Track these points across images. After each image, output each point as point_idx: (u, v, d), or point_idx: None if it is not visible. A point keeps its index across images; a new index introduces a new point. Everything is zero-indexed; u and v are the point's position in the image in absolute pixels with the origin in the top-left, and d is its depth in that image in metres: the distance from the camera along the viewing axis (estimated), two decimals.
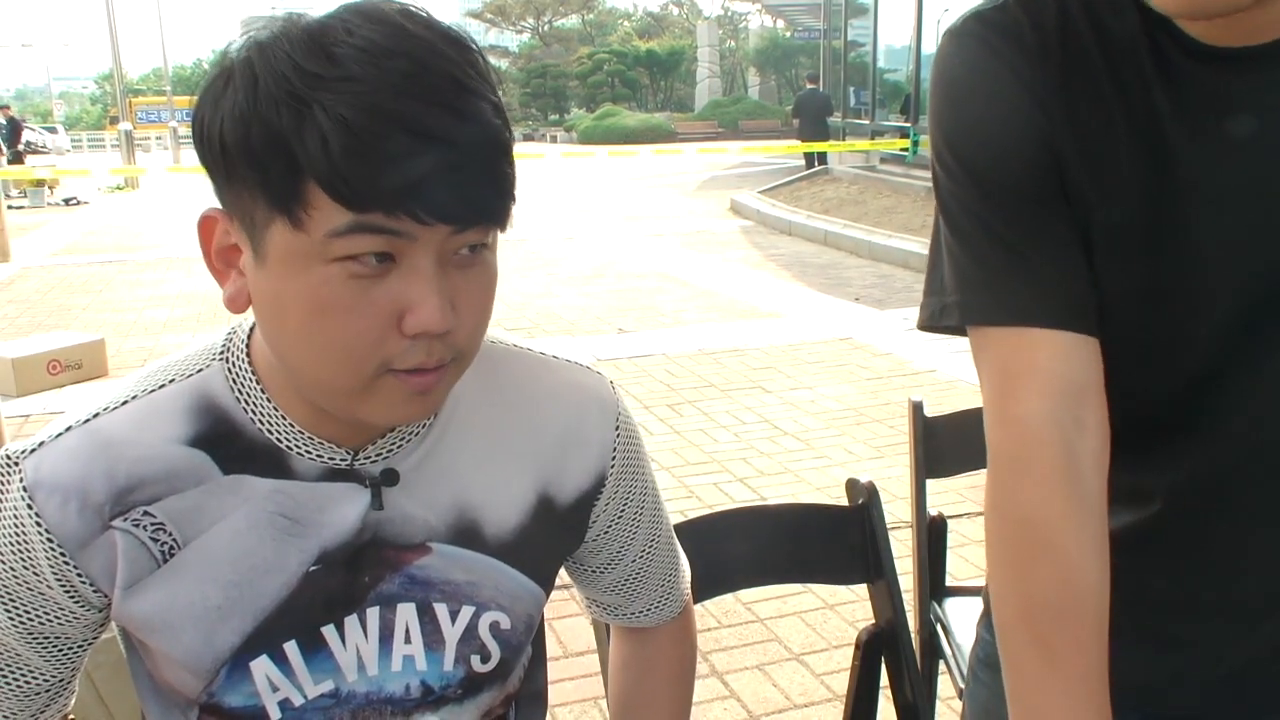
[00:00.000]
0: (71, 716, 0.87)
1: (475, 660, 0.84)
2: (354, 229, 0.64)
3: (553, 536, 0.88)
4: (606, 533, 0.92)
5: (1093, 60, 0.77)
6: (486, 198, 0.67)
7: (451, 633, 0.83)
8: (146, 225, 12.92)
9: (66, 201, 15.89)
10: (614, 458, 0.89)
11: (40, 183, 15.66)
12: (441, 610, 0.82)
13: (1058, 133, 0.78)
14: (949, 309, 0.83)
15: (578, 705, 2.49)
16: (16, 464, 0.75)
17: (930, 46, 13.33)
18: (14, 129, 17.78)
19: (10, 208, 12.52)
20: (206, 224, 0.72)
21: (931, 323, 0.86)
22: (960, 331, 0.85)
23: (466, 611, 0.83)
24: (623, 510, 0.92)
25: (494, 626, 0.84)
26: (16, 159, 17.42)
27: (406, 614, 0.81)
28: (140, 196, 17.27)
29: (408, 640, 0.82)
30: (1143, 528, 0.85)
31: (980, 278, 0.80)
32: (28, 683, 0.81)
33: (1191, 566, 0.85)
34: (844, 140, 15.44)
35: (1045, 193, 0.79)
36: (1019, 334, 0.78)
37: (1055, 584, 0.76)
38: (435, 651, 0.83)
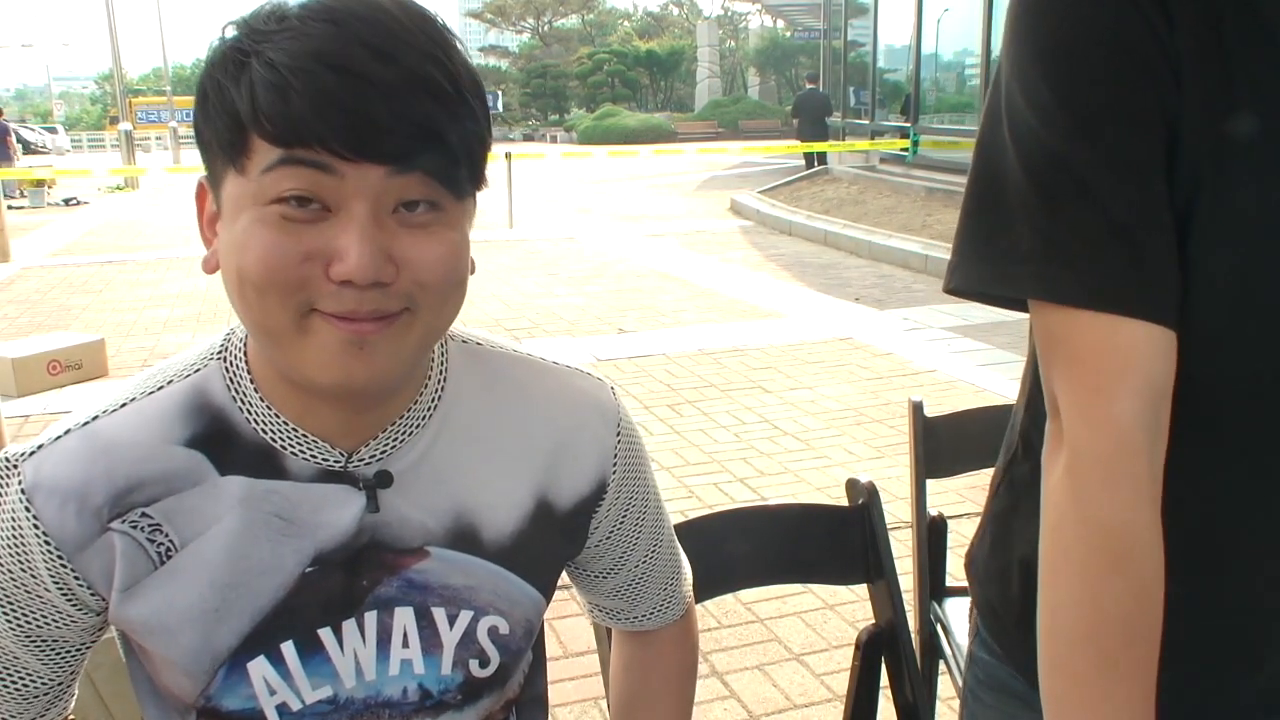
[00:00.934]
0: (71, 717, 0.87)
1: (474, 665, 0.84)
2: (280, 162, 0.66)
3: (552, 542, 0.88)
4: (608, 539, 0.92)
5: (1215, 12, 0.70)
6: (412, 140, 0.67)
7: (449, 637, 0.83)
8: (146, 225, 12.91)
9: (66, 201, 15.89)
10: (615, 464, 0.89)
11: (40, 183, 15.66)
12: (440, 615, 0.82)
13: (1184, 96, 0.71)
14: (1018, 278, 0.74)
15: (578, 705, 2.49)
16: (15, 466, 0.75)
17: (930, 46, 13.35)
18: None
19: (10, 208, 12.52)
20: (200, 192, 0.75)
21: (983, 288, 0.77)
22: (1007, 304, 0.78)
23: (465, 616, 0.83)
24: (624, 516, 0.92)
25: (493, 631, 0.84)
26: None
27: (404, 618, 0.81)
28: (140, 197, 17.27)
29: (405, 645, 0.82)
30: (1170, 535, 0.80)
31: (1080, 253, 0.71)
32: (26, 686, 0.81)
33: (1210, 578, 0.81)
34: (844, 140, 15.45)
35: (1158, 165, 0.71)
36: (1117, 323, 0.71)
37: (1131, 598, 0.72)
38: (433, 655, 0.83)
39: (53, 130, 38.70)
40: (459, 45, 0.71)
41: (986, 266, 0.76)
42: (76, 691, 0.86)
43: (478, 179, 0.73)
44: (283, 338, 0.70)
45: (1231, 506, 0.80)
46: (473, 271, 0.77)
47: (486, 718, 0.87)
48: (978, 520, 1.00)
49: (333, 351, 0.69)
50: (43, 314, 7.37)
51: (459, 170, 0.70)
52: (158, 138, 32.54)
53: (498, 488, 0.84)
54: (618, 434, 0.89)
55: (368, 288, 0.68)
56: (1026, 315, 0.81)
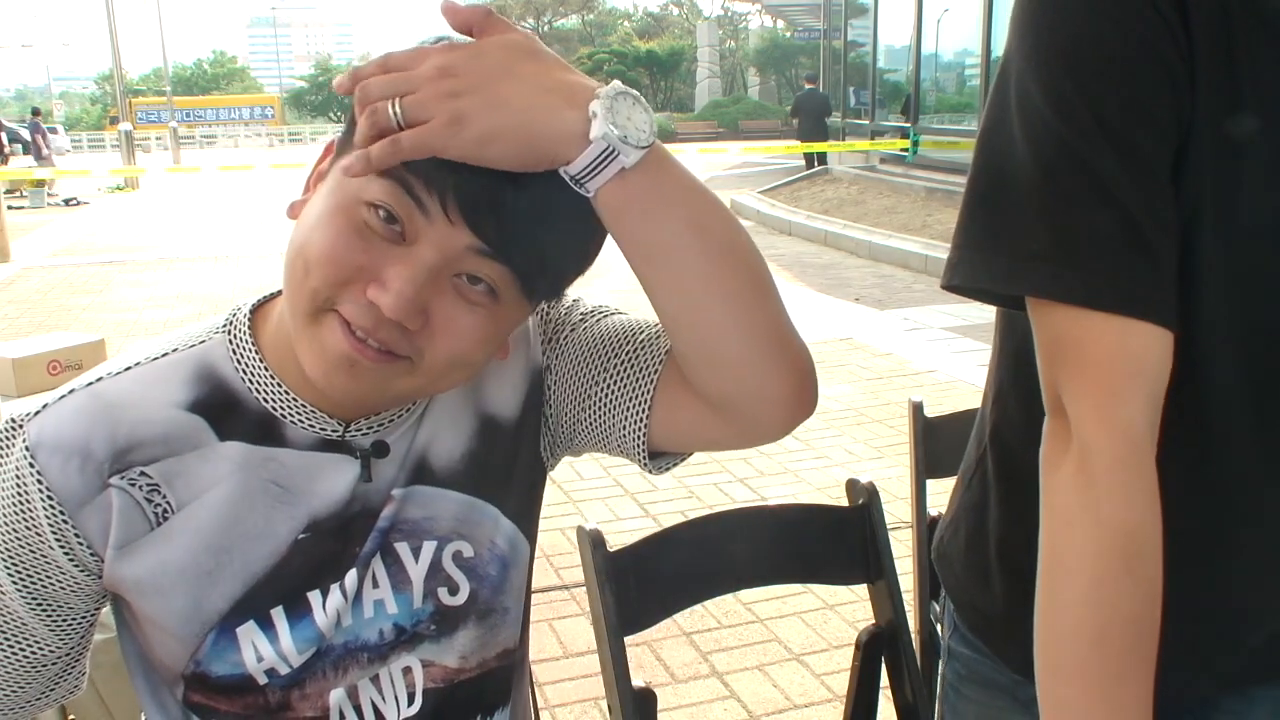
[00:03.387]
0: (72, 717, 0.87)
1: (444, 593, 0.85)
2: (395, 179, 0.68)
3: (508, 454, 0.88)
4: (572, 370, 0.87)
5: (1225, 14, 0.71)
6: (516, 243, 0.69)
7: (416, 571, 0.84)
8: (146, 225, 12.91)
9: (66, 202, 15.90)
10: (543, 342, 0.88)
11: (40, 183, 15.68)
12: (403, 549, 0.84)
13: (1196, 98, 0.71)
14: (1029, 276, 0.73)
15: (578, 705, 2.50)
16: (21, 426, 0.77)
17: (930, 47, 13.34)
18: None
19: (10, 208, 12.53)
20: (327, 149, 0.77)
21: (990, 286, 0.76)
22: (1007, 302, 0.78)
23: (428, 547, 0.84)
24: (585, 361, 0.86)
25: (458, 557, 0.86)
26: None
27: (375, 565, 0.83)
28: (140, 197, 17.27)
29: (375, 585, 0.83)
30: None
31: (1095, 254, 0.71)
32: (34, 653, 0.82)
33: (1202, 572, 0.82)
34: (844, 140, 15.45)
35: (1169, 168, 0.72)
36: (1129, 326, 0.70)
37: (1140, 598, 0.72)
38: (403, 591, 0.84)
39: (53, 130, 38.73)
40: None
41: (993, 263, 0.75)
42: (86, 671, 0.87)
43: (555, 295, 0.76)
44: (298, 317, 0.72)
45: (1224, 505, 0.80)
46: (504, 357, 0.80)
47: (463, 657, 0.87)
48: None
49: (328, 354, 0.72)
50: (43, 314, 7.37)
51: (539, 281, 0.73)
52: (158, 138, 32.55)
53: (447, 420, 0.86)
54: (541, 319, 0.89)
55: (389, 320, 0.69)
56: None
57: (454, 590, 0.85)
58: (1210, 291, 0.74)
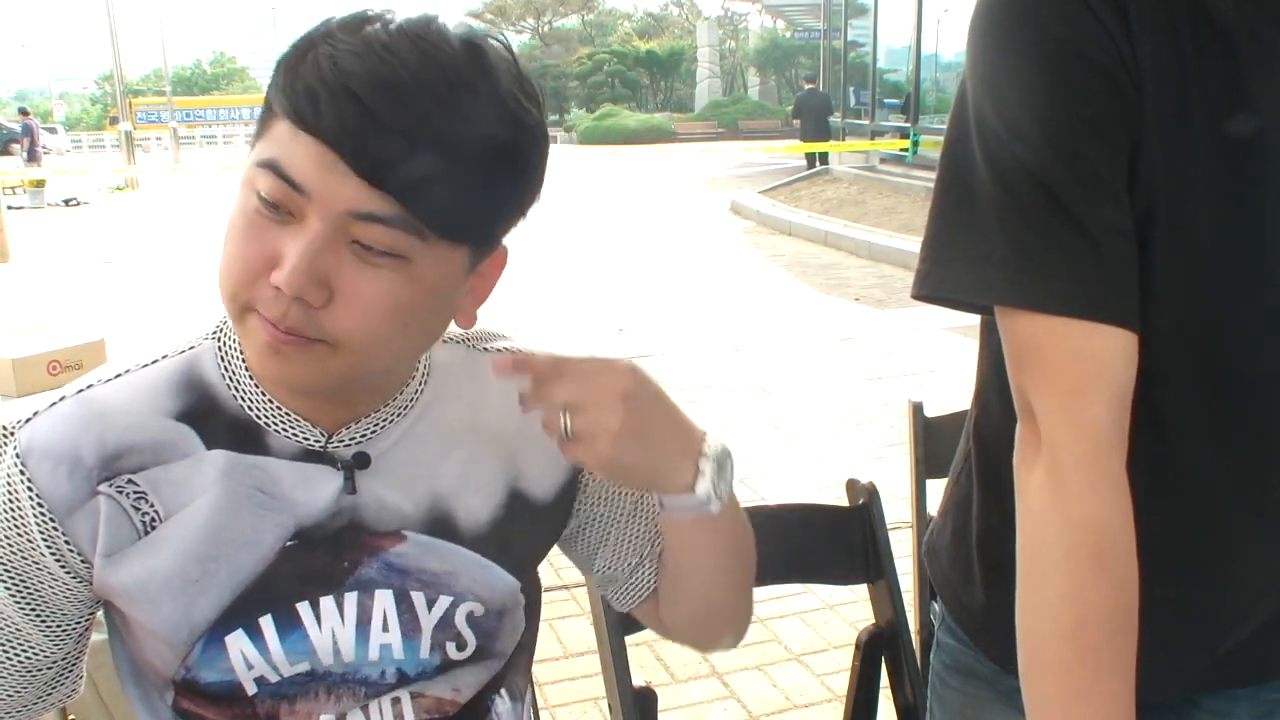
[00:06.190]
0: (72, 717, 0.87)
1: (451, 648, 0.85)
2: (265, 164, 0.68)
3: (531, 531, 0.88)
4: (595, 514, 0.92)
5: (1173, 24, 0.73)
6: (388, 195, 0.67)
7: (428, 620, 0.84)
8: (146, 225, 12.92)
9: (67, 202, 15.90)
10: None
11: (40, 183, 15.69)
12: (419, 598, 0.83)
13: (1145, 109, 0.73)
14: (993, 285, 0.76)
15: (577, 705, 2.50)
16: (12, 434, 0.77)
17: (930, 47, 13.35)
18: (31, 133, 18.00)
19: (10, 208, 12.53)
20: None
21: (957, 295, 0.79)
22: (976, 310, 0.80)
23: (443, 601, 0.84)
24: (614, 492, 0.91)
25: (469, 616, 0.85)
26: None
27: (385, 601, 0.82)
28: (140, 197, 17.28)
29: (385, 629, 0.82)
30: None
31: (1053, 262, 0.73)
32: (29, 658, 0.81)
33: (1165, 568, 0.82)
34: (844, 140, 15.45)
35: (1123, 176, 0.74)
36: (1089, 329, 0.73)
37: (1114, 594, 0.74)
38: (412, 639, 0.83)
39: (53, 130, 38.74)
40: (518, 95, 0.73)
41: (959, 274, 0.78)
42: (83, 675, 0.87)
43: (485, 239, 0.74)
44: (234, 323, 0.74)
45: (1184, 506, 0.82)
46: (468, 324, 0.79)
47: (456, 689, 0.87)
48: None
49: (259, 350, 0.72)
50: (43, 314, 7.37)
51: (444, 227, 0.70)
52: (158, 138, 32.57)
53: (470, 476, 0.85)
54: None
55: (293, 301, 0.68)
56: None
57: (461, 646, 0.85)
58: (1164, 295, 0.76)
